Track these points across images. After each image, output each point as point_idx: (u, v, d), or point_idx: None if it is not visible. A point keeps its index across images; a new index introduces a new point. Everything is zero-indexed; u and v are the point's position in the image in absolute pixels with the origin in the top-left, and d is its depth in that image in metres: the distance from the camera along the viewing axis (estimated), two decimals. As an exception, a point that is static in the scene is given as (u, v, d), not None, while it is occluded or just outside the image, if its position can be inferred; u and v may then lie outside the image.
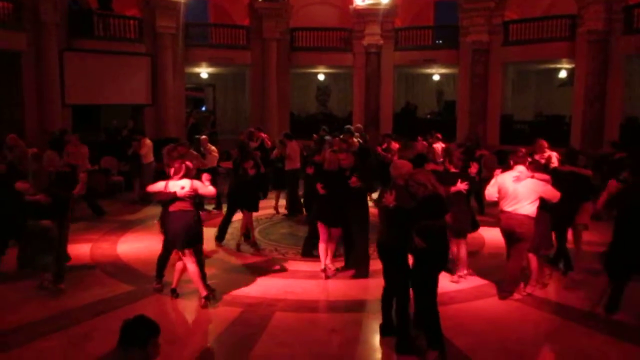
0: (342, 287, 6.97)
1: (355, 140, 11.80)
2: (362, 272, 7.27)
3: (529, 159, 7.04)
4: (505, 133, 18.58)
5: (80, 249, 8.59)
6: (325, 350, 5.27)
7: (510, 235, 6.47)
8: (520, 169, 6.47)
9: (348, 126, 13.58)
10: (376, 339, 5.57)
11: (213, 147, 11.66)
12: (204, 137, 11.79)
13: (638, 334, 5.61)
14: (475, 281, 7.14)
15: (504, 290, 6.60)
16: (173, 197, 6.14)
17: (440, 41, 20.44)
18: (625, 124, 16.20)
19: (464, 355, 5.16)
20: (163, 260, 6.77)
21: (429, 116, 22.60)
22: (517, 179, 6.38)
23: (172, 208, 6.17)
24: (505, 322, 5.93)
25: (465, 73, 19.16)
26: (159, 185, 6.28)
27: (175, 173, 6.24)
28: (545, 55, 18.01)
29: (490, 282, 7.07)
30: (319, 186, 7.20)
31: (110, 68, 16.89)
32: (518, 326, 5.83)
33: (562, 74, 19.78)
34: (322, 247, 7.36)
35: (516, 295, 6.57)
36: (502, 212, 6.50)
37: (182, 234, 6.12)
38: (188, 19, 19.11)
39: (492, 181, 6.81)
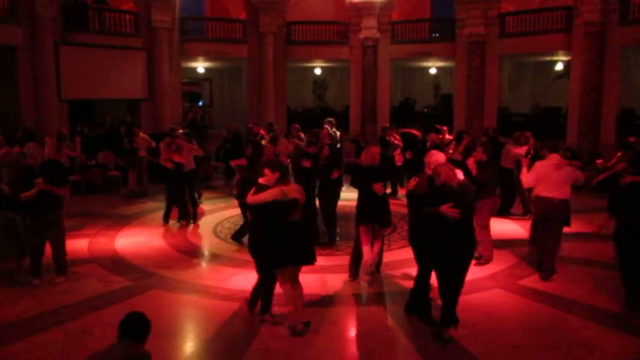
0: (340, 282, 6.97)
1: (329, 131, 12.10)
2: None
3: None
4: (502, 125, 18.57)
5: (78, 244, 8.59)
6: (325, 345, 5.28)
7: (548, 219, 6.93)
8: (557, 157, 6.98)
9: (330, 119, 13.56)
10: (376, 331, 5.59)
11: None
12: (180, 131, 11.63)
13: (634, 325, 5.65)
14: (471, 274, 7.14)
15: (547, 271, 6.93)
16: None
17: (437, 34, 20.40)
18: (621, 115, 16.22)
19: (460, 347, 5.18)
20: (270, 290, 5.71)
21: (426, 110, 22.58)
22: (557, 167, 6.86)
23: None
24: (502, 315, 5.96)
25: (462, 66, 19.14)
26: (273, 193, 5.30)
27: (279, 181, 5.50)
28: (542, 48, 17.99)
29: (486, 275, 7.09)
30: (377, 187, 6.50)
31: (106, 62, 16.80)
32: (515, 318, 5.87)
33: (559, 66, 19.78)
34: (366, 250, 6.75)
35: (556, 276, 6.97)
36: (541, 197, 6.93)
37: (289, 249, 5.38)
38: (184, 13, 19.02)
39: (524, 171, 7.31)
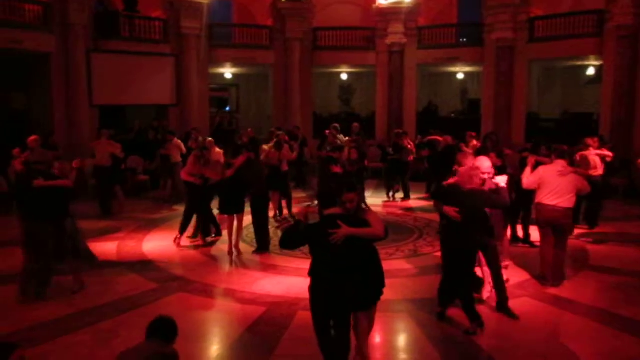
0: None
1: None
2: None
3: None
4: (531, 131, 18.28)
5: (106, 247, 8.76)
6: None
7: (554, 227, 6.80)
8: (562, 163, 6.81)
9: (335, 124, 13.55)
10: (398, 338, 5.56)
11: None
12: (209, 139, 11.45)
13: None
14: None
15: (555, 279, 6.84)
16: None
17: (464, 39, 20.19)
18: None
19: (488, 356, 5.11)
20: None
21: (453, 115, 22.39)
22: (562, 174, 6.70)
23: None
24: (531, 323, 5.84)
25: (490, 71, 18.90)
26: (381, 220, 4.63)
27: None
28: (572, 52, 17.63)
29: (514, 284, 6.96)
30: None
31: (136, 69, 17.11)
32: (544, 327, 5.75)
33: (590, 71, 19.38)
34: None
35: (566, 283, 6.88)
36: (544, 204, 6.79)
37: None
38: (212, 20, 19.25)
39: (527, 170, 7.05)
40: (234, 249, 8.39)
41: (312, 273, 4.45)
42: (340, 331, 4.37)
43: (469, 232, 5.59)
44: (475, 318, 5.54)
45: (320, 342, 4.41)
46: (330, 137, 12.66)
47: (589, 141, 9.69)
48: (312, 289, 4.43)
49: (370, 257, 4.62)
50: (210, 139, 11.53)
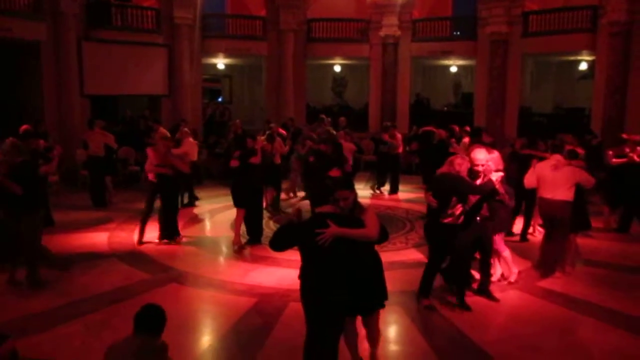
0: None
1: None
2: None
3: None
4: (524, 126, 18.36)
5: (97, 238, 8.74)
6: (341, 342, 5.27)
7: (551, 220, 6.96)
8: (557, 157, 6.96)
9: (322, 115, 13.50)
10: (389, 329, 5.59)
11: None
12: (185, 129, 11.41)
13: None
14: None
15: (547, 270, 6.96)
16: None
17: (458, 32, 20.20)
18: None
19: (479, 349, 5.14)
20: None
21: (445, 108, 22.41)
22: (555, 167, 6.83)
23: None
24: (522, 316, 5.90)
25: (483, 65, 18.93)
26: (376, 217, 4.22)
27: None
28: (566, 47, 17.69)
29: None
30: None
31: (128, 58, 16.97)
32: (533, 320, 5.79)
33: (583, 66, 19.46)
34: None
35: (557, 274, 6.97)
36: (542, 199, 6.98)
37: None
38: (205, 10, 19.10)
39: (530, 170, 7.26)
40: (233, 245, 8.33)
41: (301, 276, 4.11)
42: (327, 340, 3.99)
43: (433, 215, 5.87)
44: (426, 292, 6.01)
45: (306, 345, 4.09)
46: (305, 130, 12.63)
47: (566, 138, 9.74)
48: (302, 293, 4.07)
49: (367, 262, 4.19)
50: (186, 129, 11.54)
